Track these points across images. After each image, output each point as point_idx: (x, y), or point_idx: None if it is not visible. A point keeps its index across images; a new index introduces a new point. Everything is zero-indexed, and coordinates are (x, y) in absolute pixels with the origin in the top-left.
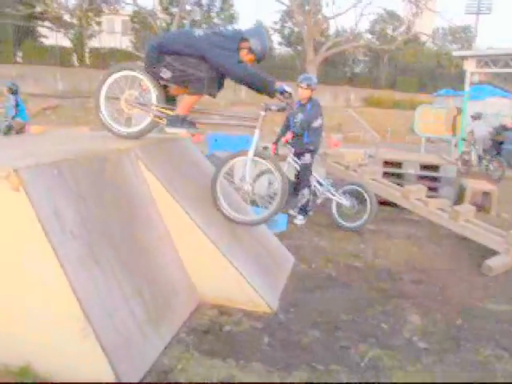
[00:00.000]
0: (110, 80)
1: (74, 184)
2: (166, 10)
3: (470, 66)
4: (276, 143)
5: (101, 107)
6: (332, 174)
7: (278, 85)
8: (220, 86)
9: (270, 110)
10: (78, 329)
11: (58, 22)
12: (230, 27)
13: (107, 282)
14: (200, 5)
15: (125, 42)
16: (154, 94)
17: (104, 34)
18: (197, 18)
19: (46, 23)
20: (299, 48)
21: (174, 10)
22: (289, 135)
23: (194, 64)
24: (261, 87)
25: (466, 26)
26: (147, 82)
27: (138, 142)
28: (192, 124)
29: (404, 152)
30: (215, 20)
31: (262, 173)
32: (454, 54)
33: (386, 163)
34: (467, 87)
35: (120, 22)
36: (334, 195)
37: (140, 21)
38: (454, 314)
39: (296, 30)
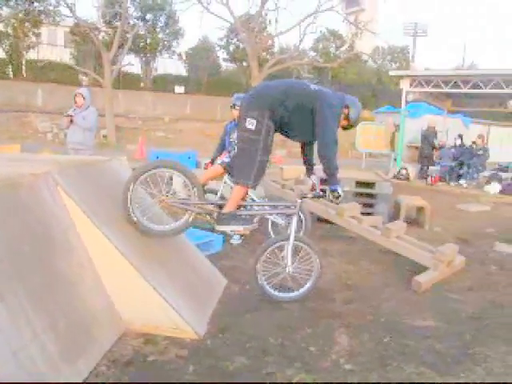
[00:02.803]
0: (141, 178)
1: None
2: (108, 23)
3: (405, 85)
4: (212, 162)
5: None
6: (269, 192)
7: (338, 183)
8: None
9: (305, 197)
10: None
11: None
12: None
13: (13, 319)
14: (144, 19)
15: (67, 55)
16: (193, 190)
17: (45, 45)
18: (141, 33)
19: None
20: (244, 64)
21: (118, 23)
22: (224, 155)
23: (265, 148)
24: (327, 167)
25: (404, 47)
26: (186, 179)
27: (56, 166)
28: (245, 219)
29: (341, 169)
30: (160, 35)
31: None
32: (391, 73)
33: (323, 181)
34: (403, 105)
35: (62, 34)
36: (270, 214)
37: (81, 33)
38: (382, 333)
39: (241, 46)
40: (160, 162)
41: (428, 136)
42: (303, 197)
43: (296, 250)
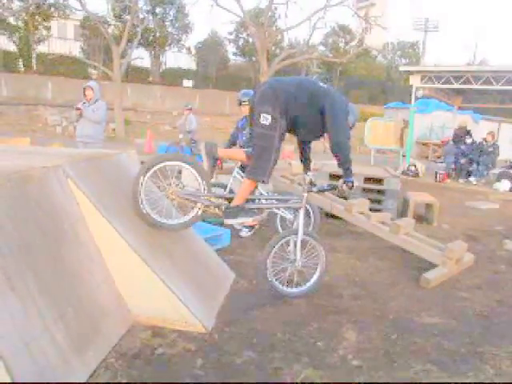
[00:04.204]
0: (151, 170)
1: None
2: (118, 17)
3: (415, 81)
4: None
5: (141, 200)
6: (278, 187)
7: (352, 175)
8: None
9: (311, 191)
10: None
11: (1, 25)
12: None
13: (25, 310)
14: (154, 13)
15: (77, 48)
16: (202, 184)
17: (55, 38)
18: (150, 27)
19: None
20: (253, 59)
21: (127, 17)
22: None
23: (279, 146)
24: (343, 163)
25: (414, 42)
26: (195, 172)
27: (66, 159)
28: (252, 211)
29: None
30: (169, 29)
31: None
32: (401, 68)
33: (332, 176)
34: (413, 101)
35: (72, 27)
36: (278, 209)
37: (91, 27)
38: (390, 329)
39: (250, 40)
40: (169, 155)
41: (462, 135)
42: (309, 191)
43: (303, 244)
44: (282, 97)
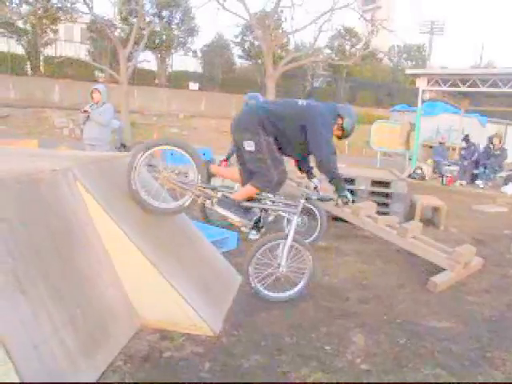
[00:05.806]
0: (147, 153)
1: None
2: (125, 20)
3: (421, 84)
4: (227, 160)
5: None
6: (284, 189)
7: (345, 188)
8: None
9: (310, 199)
10: None
11: (10, 28)
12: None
13: (35, 312)
14: (160, 16)
15: (84, 51)
16: (197, 174)
17: (62, 41)
18: (156, 30)
19: None
20: (259, 61)
21: (134, 20)
22: None
23: (275, 161)
24: (330, 178)
25: (420, 45)
26: (191, 161)
27: (75, 162)
28: (246, 213)
29: (357, 168)
30: (176, 32)
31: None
32: (407, 71)
33: None
34: (419, 104)
35: (79, 30)
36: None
37: (98, 30)
38: (398, 333)
39: (256, 43)
40: (167, 139)
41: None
42: (307, 198)
43: (290, 250)
44: (255, 120)
